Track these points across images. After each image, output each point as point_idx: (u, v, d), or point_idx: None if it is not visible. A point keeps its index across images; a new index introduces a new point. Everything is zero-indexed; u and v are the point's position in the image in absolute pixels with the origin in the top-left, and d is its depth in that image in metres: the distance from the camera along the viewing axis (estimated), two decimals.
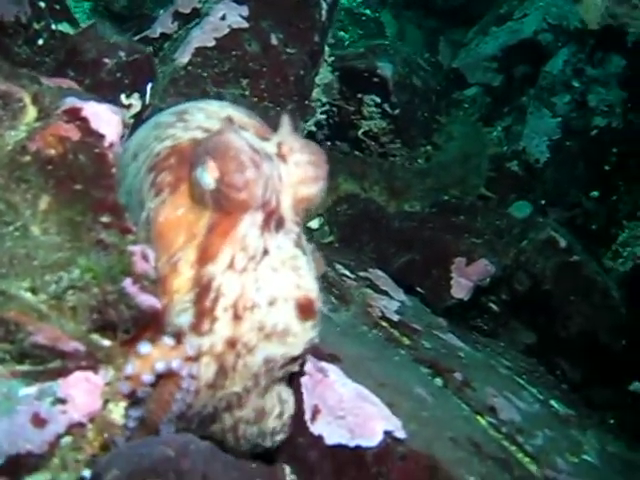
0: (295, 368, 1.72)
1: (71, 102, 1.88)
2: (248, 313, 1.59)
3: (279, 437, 1.76)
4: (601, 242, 4.84)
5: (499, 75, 5.92)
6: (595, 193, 5.14)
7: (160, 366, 1.58)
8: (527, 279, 3.67)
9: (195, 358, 1.61)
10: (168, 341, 1.60)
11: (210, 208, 1.61)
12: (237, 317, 1.59)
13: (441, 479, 1.74)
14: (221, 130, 1.62)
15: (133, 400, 1.58)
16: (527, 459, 2.27)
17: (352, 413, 1.80)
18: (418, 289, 3.36)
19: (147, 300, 1.57)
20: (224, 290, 1.59)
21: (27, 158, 1.74)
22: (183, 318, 1.60)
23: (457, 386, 2.49)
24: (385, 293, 3.04)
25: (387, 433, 1.78)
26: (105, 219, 1.72)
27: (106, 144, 1.85)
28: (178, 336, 1.60)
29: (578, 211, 5.16)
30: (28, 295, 1.49)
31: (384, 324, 2.72)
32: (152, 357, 1.58)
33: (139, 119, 2.49)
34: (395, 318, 2.80)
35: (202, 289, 1.59)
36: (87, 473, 1.46)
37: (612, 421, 3.13)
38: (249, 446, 1.76)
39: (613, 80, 5.08)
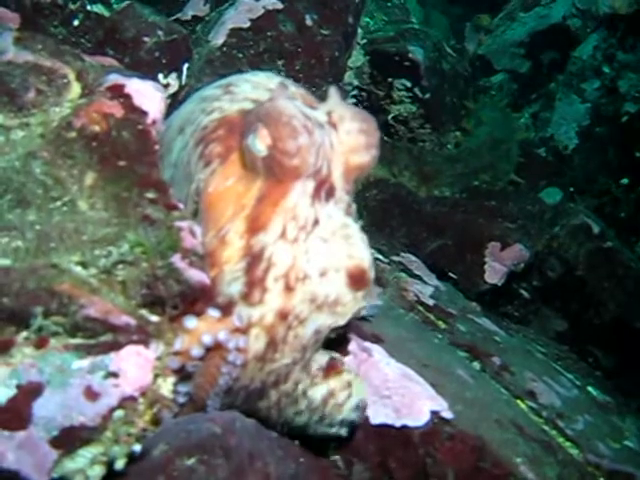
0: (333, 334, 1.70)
1: (114, 79, 1.87)
2: (300, 284, 1.57)
3: (315, 416, 1.73)
4: (631, 230, 4.78)
5: (527, 61, 5.85)
6: (625, 180, 5.07)
7: (207, 339, 1.57)
8: (559, 265, 3.63)
9: (243, 330, 1.59)
10: (214, 313, 1.58)
11: (261, 176, 1.60)
12: (289, 288, 1.57)
13: (488, 460, 1.72)
14: (273, 97, 1.60)
15: (182, 375, 1.57)
16: (568, 443, 2.24)
17: (397, 393, 1.78)
18: (451, 274, 3.32)
19: (196, 275, 1.56)
20: (275, 260, 1.57)
21: (72, 134, 1.74)
22: (234, 287, 1.58)
23: (495, 370, 2.46)
24: (419, 277, 3.02)
25: (434, 413, 1.77)
26: (150, 195, 1.71)
27: (149, 121, 1.84)
28: (227, 307, 1.58)
29: (607, 199, 5.10)
30: (78, 269, 1.49)
31: (420, 308, 2.70)
32: (199, 331, 1.56)
33: (176, 99, 2.48)
34: (430, 302, 2.78)
35: (253, 258, 1.57)
36: (137, 447, 1.45)
37: None
38: (289, 422, 1.74)
39: None
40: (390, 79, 3.84)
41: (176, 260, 1.55)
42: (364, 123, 1.66)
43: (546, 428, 2.26)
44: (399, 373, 1.84)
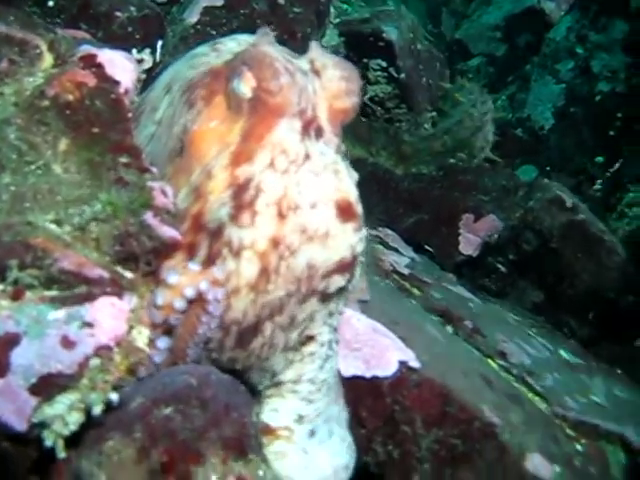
0: (334, 286, 1.69)
1: (86, 49, 1.92)
2: (291, 213, 1.61)
3: (297, 356, 1.76)
4: (607, 207, 4.87)
5: (503, 44, 5.94)
6: (600, 159, 5.16)
7: (190, 291, 1.62)
8: (534, 238, 3.71)
9: (223, 282, 1.63)
10: (194, 267, 1.64)
11: (245, 117, 1.65)
12: (281, 215, 1.60)
13: (454, 406, 1.79)
14: (256, 43, 1.68)
15: (166, 328, 1.62)
16: (537, 398, 2.31)
17: (367, 345, 1.85)
18: (427, 247, 3.40)
19: (168, 231, 1.62)
20: (264, 187, 1.61)
21: (46, 102, 1.79)
22: (222, 211, 1.61)
23: (467, 333, 2.54)
24: (395, 250, 3.09)
25: (402, 363, 1.83)
26: (124, 159, 1.77)
27: (121, 90, 1.89)
28: (217, 232, 1.61)
29: (583, 177, 5.19)
30: (53, 226, 1.54)
31: (395, 276, 2.77)
32: (181, 284, 1.62)
33: (150, 75, 2.53)
34: (405, 271, 2.85)
35: (239, 187, 1.61)
36: (114, 396, 1.51)
37: (620, 372, 3.17)
38: (279, 360, 1.77)
39: (616, 45, 5.09)
40: (365, 60, 3.90)
41: (148, 217, 1.61)
42: (345, 70, 1.73)
43: (515, 384, 2.34)
44: (370, 328, 1.91)
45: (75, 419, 1.44)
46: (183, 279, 1.61)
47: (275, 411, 1.79)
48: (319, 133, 1.68)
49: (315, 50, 1.76)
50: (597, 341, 3.67)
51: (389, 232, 3.28)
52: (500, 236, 3.69)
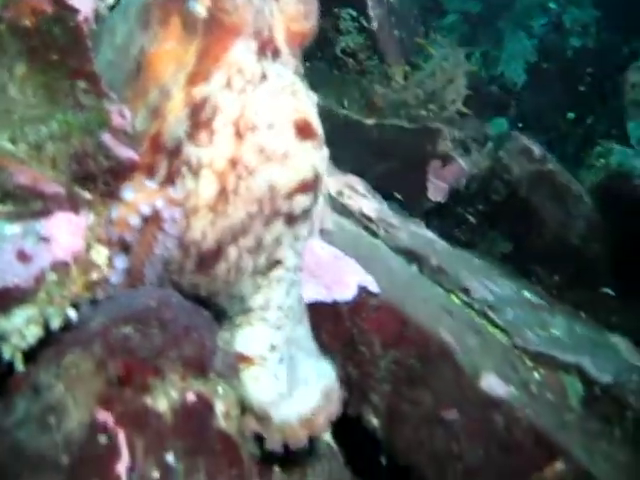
0: (298, 207, 1.70)
1: None
2: (249, 133, 1.61)
3: (265, 281, 1.76)
4: (577, 162, 4.92)
5: (477, 2, 5.93)
6: (571, 115, 5.21)
7: (145, 208, 1.62)
8: (503, 188, 3.75)
9: (179, 202, 1.63)
10: (151, 185, 1.64)
11: (200, 37, 1.66)
12: (238, 135, 1.61)
13: (412, 328, 1.83)
14: None
15: (122, 246, 1.63)
16: (497, 331, 2.37)
17: (329, 271, 1.87)
18: (396, 195, 3.42)
19: (125, 152, 1.63)
20: (221, 106, 1.61)
21: (1, 27, 1.77)
22: (180, 129, 1.61)
23: (432, 270, 2.58)
24: (363, 196, 3.11)
25: (361, 288, 1.86)
26: (82, 85, 1.76)
27: (80, 18, 1.87)
28: (175, 151, 1.61)
29: (555, 134, 5.24)
30: (8, 145, 1.54)
31: (362, 219, 2.80)
32: (137, 201, 1.62)
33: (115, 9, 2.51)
34: (373, 215, 2.87)
35: (195, 106, 1.62)
36: (72, 313, 1.53)
37: (583, 314, 3.24)
38: (248, 284, 1.77)
39: (587, 1, 5.11)
40: (336, 9, 3.89)
41: (105, 138, 1.62)
42: None
43: (477, 319, 2.39)
44: (332, 255, 1.93)
45: (33, 333, 1.46)
46: (139, 196, 1.61)
47: (248, 340, 1.80)
48: (276, 54, 1.69)
49: None
50: (563, 288, 3.74)
51: (359, 180, 3.30)
52: (469, 186, 3.73)
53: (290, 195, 1.67)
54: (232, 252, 1.69)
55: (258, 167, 1.63)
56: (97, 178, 1.61)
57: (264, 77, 1.65)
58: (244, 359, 1.78)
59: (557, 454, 1.88)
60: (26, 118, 1.61)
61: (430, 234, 3.02)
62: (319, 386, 1.73)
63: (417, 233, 2.92)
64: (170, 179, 1.64)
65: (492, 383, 1.86)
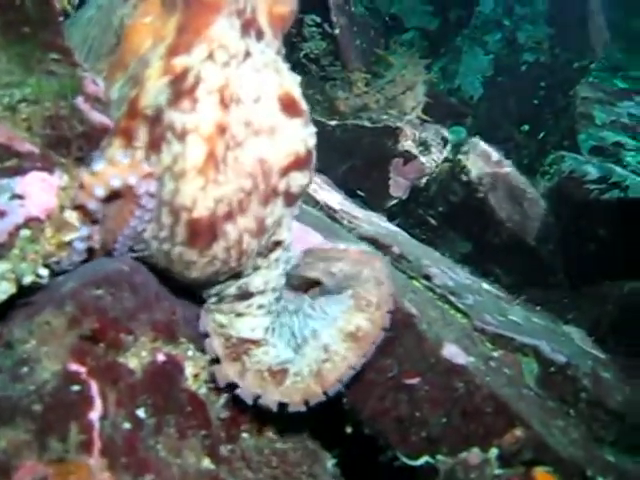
0: (296, 184, 1.71)
1: None
2: (234, 105, 1.61)
3: (265, 263, 1.77)
4: (532, 172, 5.09)
5: (435, 18, 6.11)
6: (526, 127, 5.39)
7: (116, 182, 1.60)
8: (461, 189, 3.87)
9: (153, 175, 1.62)
10: (123, 159, 1.63)
11: (180, 12, 1.66)
12: (224, 104, 1.60)
13: None
14: None
15: (85, 214, 1.63)
16: (458, 314, 2.44)
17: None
18: (359, 192, 3.50)
19: (98, 117, 1.66)
20: (204, 76, 1.60)
21: None
22: (160, 97, 1.60)
23: (394, 258, 2.65)
24: (328, 191, 3.17)
25: None
26: (54, 55, 1.80)
27: None
28: (155, 118, 1.60)
29: (511, 145, 5.41)
30: None
31: (326, 209, 2.86)
32: (106, 173, 1.60)
33: None
34: (337, 207, 2.94)
35: (176, 76, 1.60)
36: (44, 271, 1.54)
37: (538, 308, 3.34)
38: (249, 265, 1.78)
39: (540, 17, 5.33)
40: (300, 15, 3.98)
41: (79, 102, 1.65)
42: None
43: (439, 303, 2.46)
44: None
45: (5, 288, 1.46)
46: (109, 169, 1.60)
47: (252, 327, 1.81)
48: (259, 35, 1.70)
49: None
50: (519, 286, 3.84)
51: (323, 177, 3.37)
52: (428, 188, 3.84)
53: (285, 171, 1.69)
54: (231, 231, 1.66)
55: (246, 140, 1.63)
56: (71, 142, 1.64)
57: (248, 54, 1.66)
58: (252, 342, 1.79)
59: (516, 422, 1.94)
60: (0, 83, 1.63)
61: (392, 226, 3.10)
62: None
63: (380, 224, 3.00)
64: (154, 145, 1.62)
65: (453, 352, 1.93)
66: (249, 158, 1.64)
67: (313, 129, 1.74)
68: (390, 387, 1.88)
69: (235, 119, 1.62)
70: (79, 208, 1.62)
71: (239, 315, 1.80)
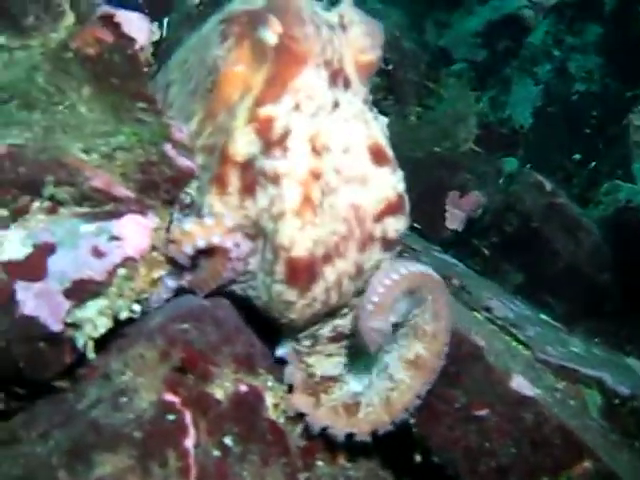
0: (392, 229, 1.77)
1: (105, 9, 2.09)
2: (325, 153, 1.69)
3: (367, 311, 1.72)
4: (584, 202, 5.09)
5: (483, 50, 6.19)
6: (577, 156, 5.40)
7: (200, 242, 1.72)
8: (516, 219, 3.90)
9: (234, 229, 1.73)
10: (209, 221, 1.74)
11: (269, 62, 1.74)
12: (315, 151, 1.68)
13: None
14: None
15: (173, 265, 1.75)
16: (521, 346, 2.47)
17: None
18: (415, 225, 3.56)
19: (185, 162, 1.79)
20: (293, 127, 1.68)
21: (69, 54, 1.95)
22: (250, 146, 1.69)
23: (454, 290, 2.70)
24: None
25: None
26: (141, 104, 1.94)
27: (137, 47, 2.05)
28: (246, 165, 1.69)
29: (561, 174, 5.42)
30: (82, 154, 1.70)
31: None
32: (193, 233, 1.72)
33: (158, 48, 2.71)
34: None
35: (261, 123, 1.68)
36: (137, 307, 1.66)
37: (597, 340, 3.34)
38: (346, 304, 1.82)
39: (591, 48, 5.36)
40: None
41: (167, 148, 1.78)
42: (370, 26, 1.84)
43: (501, 334, 2.50)
44: None
45: (103, 322, 1.59)
46: (196, 229, 1.70)
47: (335, 367, 1.89)
48: (347, 84, 1.77)
49: (345, 5, 1.85)
50: (575, 317, 3.84)
51: None
52: (483, 218, 3.88)
53: (379, 217, 1.75)
54: (330, 273, 1.71)
55: (339, 187, 1.70)
56: (160, 185, 1.76)
57: (336, 105, 1.73)
58: (332, 379, 1.88)
59: (585, 453, 1.96)
60: (96, 132, 1.77)
61: (450, 258, 3.16)
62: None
63: (438, 256, 3.06)
64: (247, 189, 1.71)
65: (521, 383, 1.97)
66: (343, 204, 1.71)
67: (401, 174, 1.81)
68: (459, 417, 1.93)
69: (327, 166, 1.70)
70: (169, 259, 1.74)
71: (329, 355, 1.87)
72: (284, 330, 1.89)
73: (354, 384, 1.86)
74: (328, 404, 1.85)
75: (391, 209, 1.77)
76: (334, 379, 1.88)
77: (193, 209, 1.82)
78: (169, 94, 2.22)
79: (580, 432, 2.03)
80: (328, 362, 1.90)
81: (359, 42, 1.82)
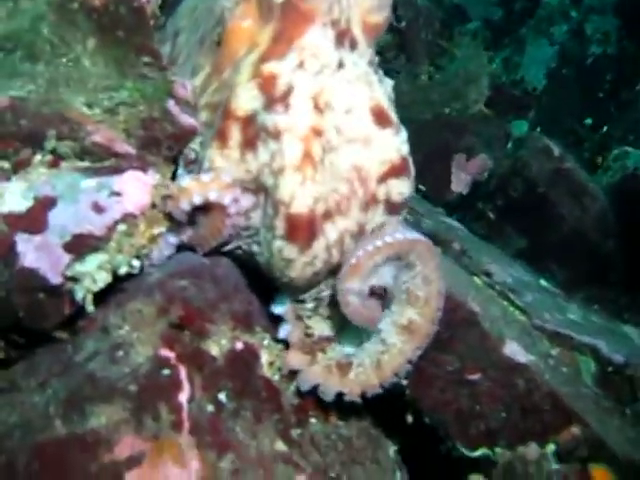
0: (396, 191, 1.76)
1: None
2: (328, 111, 1.68)
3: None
4: (593, 167, 5.06)
5: (500, 9, 6.07)
6: (589, 120, 5.34)
7: (197, 199, 1.70)
8: (522, 184, 3.89)
9: (234, 184, 1.72)
10: (205, 177, 1.73)
11: (276, 20, 1.74)
12: (318, 109, 1.68)
13: None
14: None
15: (172, 221, 1.75)
16: (517, 312, 2.50)
17: None
18: (420, 186, 3.56)
19: (187, 119, 1.79)
20: (296, 84, 1.68)
21: (75, 5, 1.93)
22: (253, 101, 1.69)
23: (455, 254, 2.72)
24: None
25: None
26: (146, 59, 1.93)
27: (143, 0, 2.03)
28: (248, 120, 1.69)
29: (572, 138, 5.37)
30: (85, 108, 1.70)
31: None
32: (190, 189, 1.70)
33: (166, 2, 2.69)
34: None
35: (264, 79, 1.68)
36: (136, 262, 1.67)
37: (596, 306, 3.36)
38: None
39: (609, 8, 5.25)
40: None
41: (170, 105, 1.77)
42: None
43: (498, 299, 2.52)
44: None
45: (102, 277, 1.60)
46: (193, 185, 1.69)
47: (331, 327, 1.90)
48: (353, 44, 1.76)
49: None
50: (576, 283, 3.86)
51: None
52: (489, 182, 3.87)
53: (382, 179, 1.74)
54: (330, 230, 1.71)
55: (340, 146, 1.69)
56: (162, 142, 1.77)
57: (341, 65, 1.72)
58: (328, 339, 1.89)
59: (573, 419, 2.00)
60: (99, 86, 1.76)
61: (453, 222, 3.16)
62: None
63: (440, 220, 3.06)
64: (248, 144, 1.71)
65: (515, 350, 2.00)
66: (345, 163, 1.71)
67: (405, 136, 1.80)
68: (452, 381, 1.97)
69: (329, 124, 1.69)
70: (168, 215, 1.74)
71: (328, 317, 1.89)
72: (287, 290, 1.89)
73: (347, 345, 1.88)
74: (323, 362, 1.87)
75: (395, 171, 1.76)
76: (330, 339, 1.90)
77: (197, 165, 1.82)
78: (177, 42, 2.20)
79: (570, 399, 2.06)
80: (326, 324, 1.92)
81: (367, 2, 1.79)
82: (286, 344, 1.88)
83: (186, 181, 1.74)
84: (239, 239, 1.87)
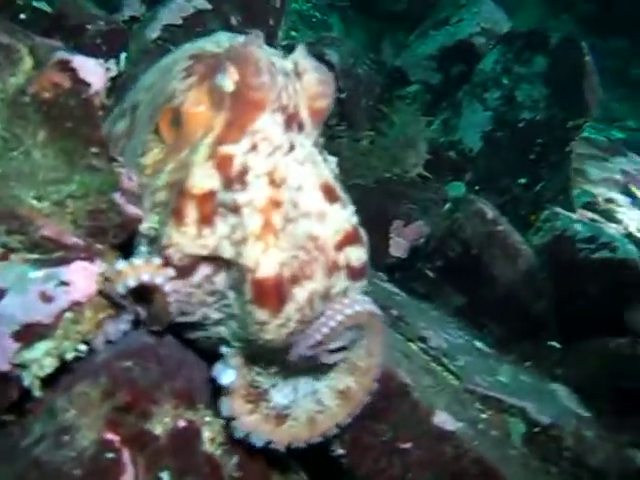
0: (354, 257, 1.84)
1: (61, 55, 2.18)
2: (284, 186, 1.78)
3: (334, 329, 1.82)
4: (529, 226, 5.32)
5: (437, 73, 6.39)
6: (522, 180, 5.63)
7: (131, 282, 1.79)
8: (458, 245, 4.09)
9: (165, 264, 1.82)
10: (137, 261, 1.82)
11: (227, 109, 1.85)
12: (274, 184, 1.78)
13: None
14: (246, 43, 1.87)
15: (116, 305, 1.85)
16: (451, 376, 2.65)
17: None
18: None
19: (132, 209, 1.90)
20: (251, 165, 1.79)
21: (26, 99, 2.04)
22: (209, 180, 1.80)
23: (392, 320, 2.86)
24: None
25: None
26: (94, 150, 2.04)
27: (92, 91, 2.15)
28: (205, 197, 1.79)
29: (508, 197, 5.65)
30: (35, 202, 1.80)
31: None
32: (124, 273, 1.79)
33: (115, 84, 2.81)
34: None
35: (221, 160, 1.79)
36: (83, 347, 1.77)
37: (528, 364, 3.54)
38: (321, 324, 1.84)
39: (538, 78, 5.60)
40: None
41: (117, 197, 1.89)
42: (323, 75, 1.94)
43: (433, 365, 2.67)
44: None
45: (50, 363, 1.69)
46: (127, 268, 1.78)
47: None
48: (301, 127, 1.87)
49: (299, 53, 1.95)
50: (511, 341, 4.04)
51: None
52: (428, 243, 4.06)
53: (339, 247, 1.82)
54: (299, 293, 1.77)
55: (297, 218, 1.78)
56: (108, 231, 1.88)
57: (292, 147, 1.83)
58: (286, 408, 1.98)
59: None
60: (48, 179, 1.87)
61: (391, 286, 3.32)
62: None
63: (379, 285, 3.22)
64: (205, 220, 1.80)
65: (443, 419, 2.13)
66: (303, 233, 1.79)
67: (352, 209, 1.92)
68: (385, 450, 2.09)
69: (286, 198, 1.80)
70: (108, 298, 1.84)
71: (285, 380, 1.97)
72: (265, 356, 1.94)
73: (281, 397, 1.97)
74: (264, 412, 1.95)
75: (349, 239, 1.85)
76: (267, 391, 1.99)
77: (157, 242, 1.92)
78: (136, 116, 2.31)
79: (498, 463, 2.20)
80: (274, 377, 1.98)
81: (312, 89, 1.93)
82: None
83: (120, 265, 1.82)
84: (205, 306, 1.93)
